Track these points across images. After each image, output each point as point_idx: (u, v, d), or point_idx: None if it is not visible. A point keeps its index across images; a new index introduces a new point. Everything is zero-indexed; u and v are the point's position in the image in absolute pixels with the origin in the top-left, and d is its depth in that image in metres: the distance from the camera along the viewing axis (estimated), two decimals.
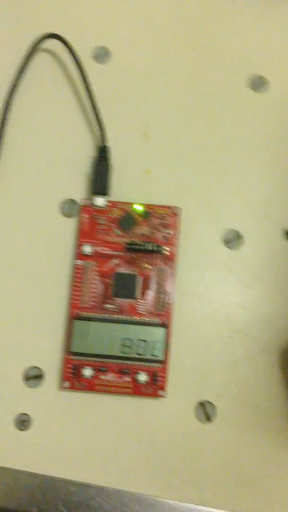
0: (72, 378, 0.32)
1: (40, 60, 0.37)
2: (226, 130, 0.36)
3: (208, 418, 0.33)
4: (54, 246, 0.34)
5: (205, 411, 0.33)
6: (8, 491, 0.32)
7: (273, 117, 0.36)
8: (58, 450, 0.32)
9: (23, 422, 0.33)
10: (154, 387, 0.32)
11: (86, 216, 0.33)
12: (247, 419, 0.33)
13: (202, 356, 0.33)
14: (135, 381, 0.32)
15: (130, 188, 0.35)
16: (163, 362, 0.32)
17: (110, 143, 0.35)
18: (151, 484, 0.32)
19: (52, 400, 0.33)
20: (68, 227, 0.35)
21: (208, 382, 0.33)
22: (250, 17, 0.38)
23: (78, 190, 0.35)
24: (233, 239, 0.35)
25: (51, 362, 0.33)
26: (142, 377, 0.32)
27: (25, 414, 0.33)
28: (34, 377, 0.33)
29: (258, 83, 0.37)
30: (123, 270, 0.33)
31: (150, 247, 0.32)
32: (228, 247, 0.35)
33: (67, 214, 0.35)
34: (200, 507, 0.32)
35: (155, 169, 0.35)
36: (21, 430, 0.33)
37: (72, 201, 0.35)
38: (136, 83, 0.36)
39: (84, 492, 0.32)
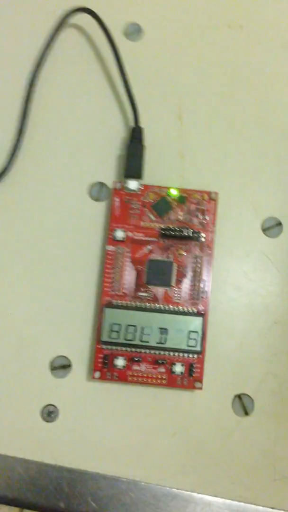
0: (103, 368, 0.31)
1: (69, 36, 0.36)
2: (265, 114, 0.35)
3: (245, 411, 0.32)
4: (83, 231, 0.34)
5: (243, 404, 0.33)
6: (35, 485, 0.32)
7: None
8: (87, 443, 0.32)
9: (50, 414, 0.32)
10: (190, 379, 0.31)
11: (118, 200, 0.32)
12: (286, 412, 0.32)
13: (239, 347, 0.33)
14: (170, 372, 0.31)
15: (165, 172, 0.35)
16: (200, 353, 0.31)
17: (142, 124, 0.34)
18: (186, 479, 0.32)
19: (80, 391, 0.33)
20: (98, 211, 0.34)
21: (246, 374, 0.33)
22: None
23: (108, 173, 0.34)
24: (272, 227, 0.34)
25: (79, 352, 0.33)
26: (178, 368, 0.31)
27: (52, 405, 0.32)
28: (61, 366, 0.33)
29: None
30: (157, 257, 0.32)
31: (186, 233, 0.32)
32: (267, 235, 0.34)
33: (96, 198, 0.34)
34: (236, 503, 0.31)
35: (190, 152, 0.35)
36: (48, 422, 0.33)
37: (102, 184, 0.34)
38: (170, 62, 0.36)
39: (115, 487, 0.31)
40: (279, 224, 0.34)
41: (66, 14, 0.35)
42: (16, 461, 0.32)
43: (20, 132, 0.34)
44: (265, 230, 0.34)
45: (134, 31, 0.36)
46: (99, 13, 0.35)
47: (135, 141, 0.33)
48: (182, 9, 0.36)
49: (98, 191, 0.34)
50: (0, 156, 0.35)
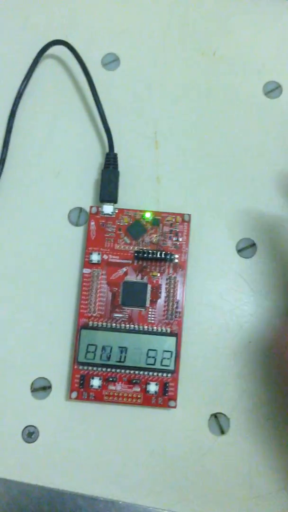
0: (80, 388, 0.32)
1: (48, 67, 0.38)
2: (238, 137, 0.37)
3: (222, 430, 0.33)
4: (62, 255, 0.35)
5: (219, 423, 0.33)
6: (16, 505, 0.33)
7: (287, 123, 0.37)
8: (66, 463, 0.33)
9: (30, 435, 0.34)
10: (165, 398, 0.32)
11: (94, 224, 0.34)
12: (262, 431, 0.33)
13: (215, 367, 0.34)
14: (145, 391, 0.32)
15: (139, 196, 0.36)
16: (174, 372, 0.32)
17: (119, 150, 0.36)
18: (163, 497, 0.33)
19: (59, 412, 0.34)
20: (77, 235, 0.35)
21: (221, 393, 0.34)
22: (262, 23, 0.38)
23: (86, 198, 0.36)
24: (246, 247, 0.35)
25: (59, 373, 0.34)
26: (152, 388, 0.32)
27: (33, 426, 0.34)
28: (41, 388, 0.34)
29: (271, 89, 0.37)
30: (132, 278, 0.33)
31: (159, 255, 0.33)
32: (241, 256, 0.35)
33: (75, 223, 0.36)
34: None
35: (165, 176, 0.36)
36: (29, 442, 0.34)
37: (81, 209, 0.36)
38: (145, 90, 0.38)
39: (93, 506, 0.33)
40: (253, 245, 0.36)
41: (45, 46, 0.37)
42: None
43: (3, 161, 0.37)
44: (239, 251, 0.36)
45: (111, 61, 0.38)
46: (79, 44, 0.37)
47: (109, 167, 0.35)
48: (157, 38, 0.38)
49: (77, 216, 0.36)
50: None
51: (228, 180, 0.36)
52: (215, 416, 0.34)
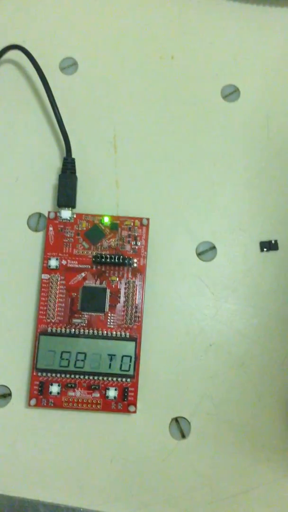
0: (39, 395, 0.32)
1: (5, 71, 0.38)
2: (198, 141, 0.37)
3: (182, 434, 0.33)
4: (21, 261, 0.35)
5: (180, 427, 0.34)
6: None
7: (245, 126, 0.37)
8: (27, 470, 0.33)
9: None
10: (124, 403, 0.32)
11: (52, 229, 0.34)
12: (223, 435, 0.33)
13: (175, 370, 0.34)
14: (104, 397, 0.32)
15: (99, 200, 0.36)
16: (133, 377, 0.32)
17: (78, 155, 0.36)
18: (125, 503, 0.33)
19: (19, 419, 0.34)
20: (36, 241, 0.35)
21: (182, 397, 0.34)
22: (221, 27, 0.39)
23: (45, 204, 0.36)
24: (206, 250, 0.36)
25: (18, 380, 0.34)
26: (112, 393, 0.32)
27: None
28: (1, 396, 0.34)
29: (229, 92, 0.37)
30: (91, 283, 0.33)
31: (117, 259, 0.33)
32: (201, 259, 0.35)
33: (34, 229, 0.35)
34: None
35: (124, 180, 0.36)
36: None
37: (40, 215, 0.36)
38: (104, 93, 0.38)
39: None
40: (213, 248, 0.36)
41: (0, 51, 0.37)
42: None
43: None
44: (199, 254, 0.36)
45: (69, 65, 0.38)
46: (37, 48, 0.37)
47: (66, 172, 0.35)
48: (115, 41, 0.38)
49: (36, 221, 0.36)
50: None
51: (187, 183, 0.36)
52: (176, 420, 0.34)
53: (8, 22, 0.39)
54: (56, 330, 0.33)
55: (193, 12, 0.39)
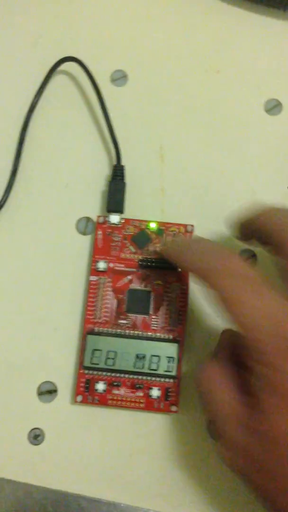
0: (85, 392, 0.33)
1: (59, 82, 0.39)
2: (241, 152, 0.38)
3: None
4: (69, 263, 0.36)
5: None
6: (20, 506, 0.34)
7: (286, 139, 0.38)
8: (70, 465, 0.34)
9: (36, 437, 0.34)
10: (167, 402, 0.33)
11: (101, 233, 0.35)
12: None
13: None
14: (147, 396, 0.33)
15: (145, 206, 0.37)
16: (175, 378, 0.33)
17: (126, 162, 0.37)
18: (164, 501, 0.33)
19: (64, 415, 0.34)
20: (84, 244, 0.36)
21: None
22: (265, 43, 0.40)
23: (94, 208, 0.37)
24: (247, 259, 0.36)
25: (65, 377, 0.35)
26: (155, 393, 0.33)
27: (38, 429, 0.34)
28: (47, 392, 0.35)
29: (271, 106, 0.38)
30: (136, 286, 0.34)
31: (162, 264, 0.34)
32: None
33: (83, 232, 0.37)
34: None
35: (169, 188, 0.37)
36: (34, 444, 0.34)
37: (88, 219, 0.37)
38: (152, 105, 0.39)
39: (96, 508, 0.33)
40: (254, 255, 0.37)
41: (56, 62, 0.38)
42: (3, 482, 0.34)
43: (14, 171, 0.38)
44: None
45: (119, 77, 0.40)
46: (88, 61, 0.38)
47: (116, 178, 0.36)
48: (163, 56, 0.40)
49: (84, 225, 0.37)
50: None
51: (230, 192, 0.37)
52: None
53: (62, 35, 0.40)
54: (102, 330, 0.34)
55: (239, 28, 0.40)
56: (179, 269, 0.35)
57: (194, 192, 0.37)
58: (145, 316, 0.34)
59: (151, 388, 0.34)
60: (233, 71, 0.39)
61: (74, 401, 0.34)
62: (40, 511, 0.34)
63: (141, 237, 0.35)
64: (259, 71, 0.39)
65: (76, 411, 0.35)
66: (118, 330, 0.34)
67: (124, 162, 0.37)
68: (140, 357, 0.34)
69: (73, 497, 0.34)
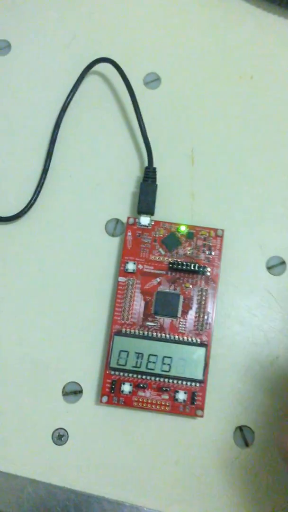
0: (111, 393, 0.33)
1: (92, 83, 0.40)
2: (273, 157, 0.38)
3: (246, 443, 0.34)
4: (97, 264, 0.36)
5: (244, 436, 0.34)
6: (43, 506, 0.34)
7: None
8: (94, 466, 0.34)
9: (60, 437, 0.34)
10: (192, 406, 0.33)
11: (131, 234, 0.35)
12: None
13: (242, 379, 0.34)
14: (173, 399, 0.33)
15: (175, 209, 0.37)
16: (202, 382, 0.33)
17: (157, 165, 0.37)
18: (186, 507, 0.33)
19: (89, 415, 0.34)
20: (113, 246, 0.36)
21: (247, 406, 0.34)
22: None
23: (124, 210, 0.37)
24: (276, 265, 0.36)
25: (90, 378, 0.35)
26: (181, 396, 0.33)
27: (63, 429, 0.34)
28: (72, 392, 0.35)
29: None
30: (165, 288, 0.34)
31: (192, 267, 0.34)
32: (271, 273, 0.36)
33: (112, 234, 0.37)
34: None
35: (200, 192, 0.37)
36: (58, 445, 0.34)
37: (117, 221, 0.37)
38: (184, 109, 0.39)
39: (118, 510, 0.33)
40: (283, 262, 0.36)
41: (90, 63, 0.38)
42: (26, 481, 0.34)
43: (46, 170, 0.38)
44: (269, 268, 0.36)
45: (152, 80, 0.40)
46: (122, 62, 0.38)
47: (148, 180, 0.36)
48: (197, 60, 0.40)
49: (113, 227, 0.37)
50: (27, 191, 0.38)
51: (261, 199, 0.37)
52: (240, 428, 0.34)
53: (96, 36, 0.41)
54: (130, 332, 0.34)
55: (272, 35, 0.40)
56: (208, 273, 0.35)
57: (225, 196, 0.37)
58: (173, 319, 0.34)
59: (177, 392, 0.33)
60: (267, 77, 0.39)
61: (99, 402, 0.34)
62: None
63: (171, 240, 0.35)
64: None
65: (101, 412, 0.35)
66: (146, 332, 0.34)
67: (155, 164, 0.37)
68: (167, 360, 0.33)
69: (95, 499, 0.34)
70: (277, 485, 0.33)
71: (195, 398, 0.33)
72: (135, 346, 0.34)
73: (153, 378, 0.33)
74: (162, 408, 0.33)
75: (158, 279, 0.35)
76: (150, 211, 0.36)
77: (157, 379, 0.33)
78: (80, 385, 0.35)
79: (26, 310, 0.36)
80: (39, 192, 0.37)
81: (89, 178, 0.38)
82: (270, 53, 0.40)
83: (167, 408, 0.33)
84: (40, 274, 0.37)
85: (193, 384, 0.33)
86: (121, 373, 0.34)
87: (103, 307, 0.36)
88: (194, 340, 0.34)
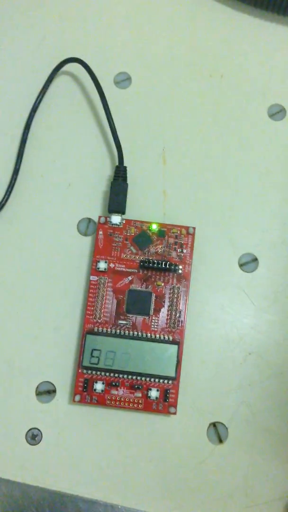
0: (83, 392, 0.33)
1: (62, 83, 0.40)
2: (243, 156, 0.38)
3: (220, 439, 0.34)
4: (70, 263, 0.36)
5: (217, 432, 0.34)
6: (17, 506, 0.33)
7: None
8: (68, 466, 0.34)
9: (34, 437, 0.34)
10: (165, 404, 0.33)
11: (102, 233, 0.35)
12: (259, 442, 0.34)
13: (215, 376, 0.35)
14: (146, 397, 0.33)
15: (146, 208, 0.37)
16: (174, 379, 0.33)
17: (128, 164, 0.37)
18: (161, 503, 0.33)
19: (63, 415, 0.34)
20: (85, 245, 0.36)
21: (221, 403, 0.34)
22: (269, 48, 0.40)
23: (95, 209, 0.37)
24: (248, 262, 0.36)
25: (63, 377, 0.35)
26: (154, 393, 0.33)
27: (36, 429, 0.34)
28: (46, 392, 0.35)
29: (275, 112, 0.39)
30: (137, 287, 0.34)
31: (164, 265, 0.34)
32: (243, 270, 0.36)
33: (84, 233, 0.37)
34: None
35: (172, 190, 0.37)
36: (32, 444, 0.34)
37: (89, 220, 0.37)
38: (155, 108, 0.39)
39: (93, 509, 0.33)
40: (255, 259, 0.37)
41: (60, 63, 0.39)
42: (0, 481, 0.34)
43: (16, 171, 0.38)
44: (241, 265, 0.37)
45: (123, 80, 0.40)
46: (92, 62, 0.38)
47: (118, 179, 0.36)
48: (167, 59, 0.40)
49: (85, 226, 0.37)
50: None
51: (232, 196, 0.37)
52: (213, 424, 0.34)
53: (66, 36, 0.41)
54: (102, 330, 0.34)
55: (243, 34, 0.41)
56: (180, 271, 0.35)
57: (196, 194, 0.38)
58: (145, 317, 0.34)
59: (150, 389, 0.34)
60: (237, 76, 0.40)
61: (72, 401, 0.34)
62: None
63: (142, 238, 0.35)
64: (263, 77, 0.40)
65: (74, 411, 0.35)
66: (118, 331, 0.34)
67: (126, 163, 0.37)
68: (139, 358, 0.34)
69: (70, 498, 0.34)
70: (251, 480, 0.33)
71: (168, 395, 0.33)
72: (107, 345, 0.34)
73: (125, 376, 0.34)
74: (135, 406, 0.33)
75: (129, 278, 0.35)
76: (121, 210, 0.36)
77: (130, 377, 0.34)
78: (53, 385, 0.35)
79: None
80: (10, 192, 0.37)
81: (61, 178, 0.38)
82: (240, 52, 0.40)
83: (140, 406, 0.33)
84: (12, 274, 0.37)
85: (166, 381, 0.33)
86: (94, 372, 0.34)
87: (76, 306, 0.36)
88: (167, 338, 0.34)
